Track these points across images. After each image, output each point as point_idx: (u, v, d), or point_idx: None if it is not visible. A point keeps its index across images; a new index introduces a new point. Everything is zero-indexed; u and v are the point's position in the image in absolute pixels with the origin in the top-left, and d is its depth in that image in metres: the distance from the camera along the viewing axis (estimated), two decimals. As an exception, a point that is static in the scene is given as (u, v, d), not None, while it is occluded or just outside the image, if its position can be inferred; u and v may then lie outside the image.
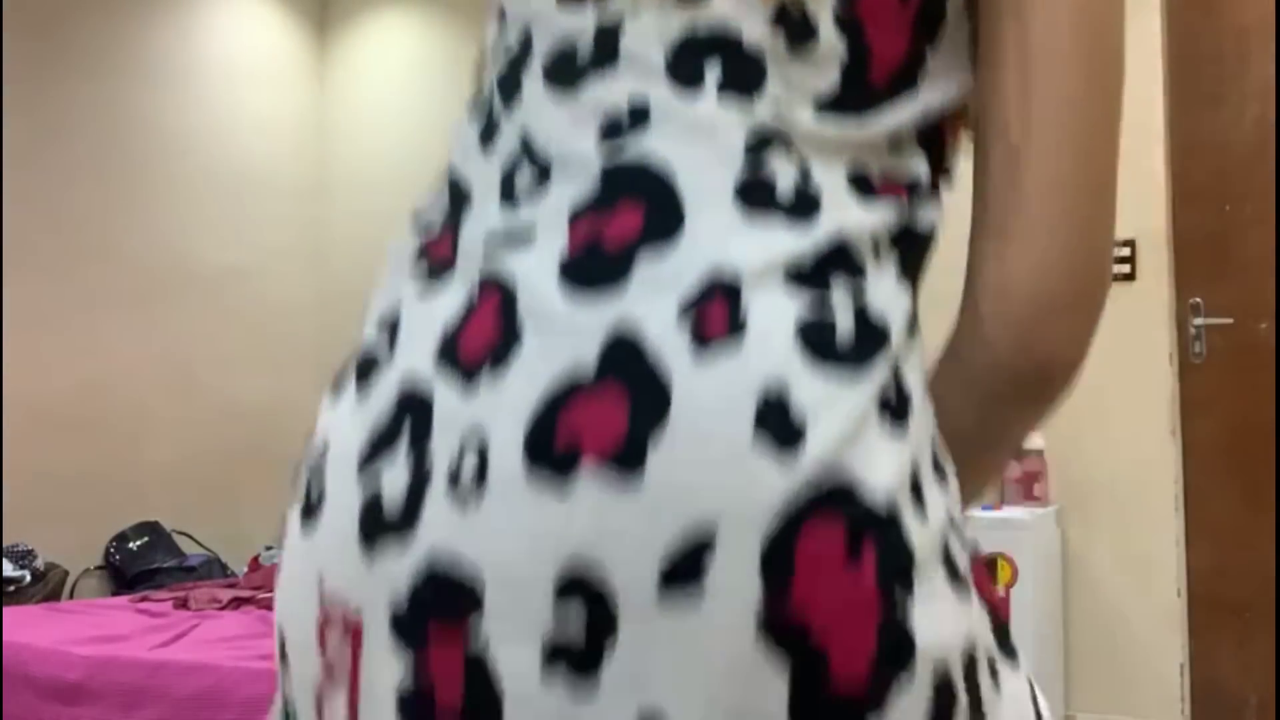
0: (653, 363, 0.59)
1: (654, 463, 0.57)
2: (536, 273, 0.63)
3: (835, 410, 0.59)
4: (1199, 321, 3.64)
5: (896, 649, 0.58)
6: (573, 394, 0.59)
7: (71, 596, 4.16)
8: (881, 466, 0.59)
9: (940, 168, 0.72)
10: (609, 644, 0.57)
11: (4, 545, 4.02)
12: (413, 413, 0.65)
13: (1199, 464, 3.64)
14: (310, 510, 0.70)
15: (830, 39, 0.66)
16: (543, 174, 0.66)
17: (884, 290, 0.67)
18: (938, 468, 0.63)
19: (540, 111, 0.68)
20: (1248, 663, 3.53)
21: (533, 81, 0.69)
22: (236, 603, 3.56)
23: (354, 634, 0.65)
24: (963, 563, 0.62)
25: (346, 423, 0.69)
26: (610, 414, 0.58)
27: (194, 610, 3.46)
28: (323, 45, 5.22)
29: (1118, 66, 0.72)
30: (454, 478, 0.62)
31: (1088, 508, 3.75)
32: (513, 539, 0.59)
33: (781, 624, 0.55)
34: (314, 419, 0.74)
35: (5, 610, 3.34)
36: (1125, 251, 3.73)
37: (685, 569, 0.56)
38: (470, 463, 0.61)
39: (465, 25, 5.06)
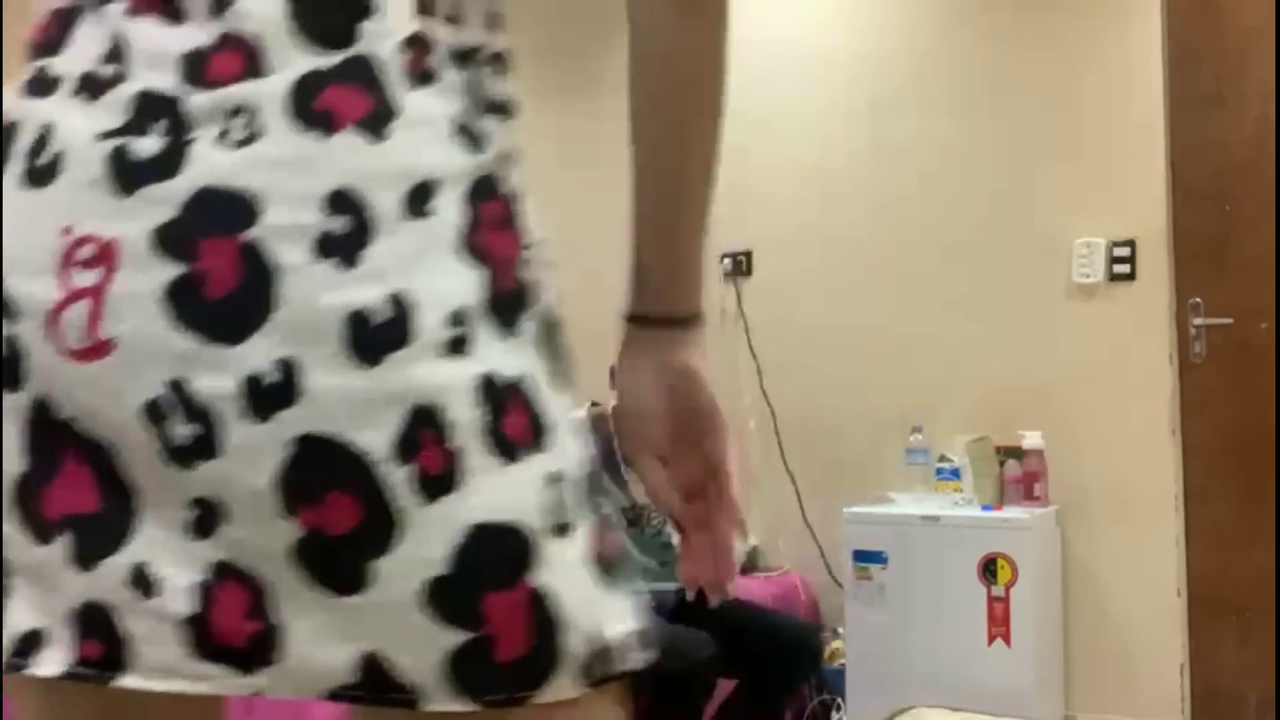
0: (379, 78, 0.82)
1: (395, 134, 0.80)
2: (271, 25, 0.82)
3: (496, 140, 0.88)
4: (1199, 321, 3.64)
5: (525, 283, 0.86)
6: (322, 85, 0.80)
7: (71, 596, 4.15)
8: (509, 181, 0.88)
9: None
10: (368, 241, 0.78)
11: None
12: (161, 110, 0.80)
13: (1199, 464, 3.64)
14: (39, 172, 0.81)
15: None
16: None
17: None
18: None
19: None
20: (1248, 663, 3.53)
21: None
22: (236, 603, 3.56)
23: (106, 254, 0.78)
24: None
25: (75, 112, 0.82)
26: (357, 98, 0.81)
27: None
28: (323, 45, 5.22)
29: None
30: (222, 135, 0.79)
31: (1088, 508, 3.75)
32: (290, 166, 0.78)
33: (473, 243, 0.82)
34: None
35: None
36: (1125, 251, 3.73)
37: (420, 201, 0.80)
38: (239, 124, 0.79)
39: (465, 25, 5.06)
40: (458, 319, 0.80)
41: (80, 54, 0.84)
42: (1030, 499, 3.63)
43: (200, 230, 0.77)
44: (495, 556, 0.78)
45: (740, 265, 4.41)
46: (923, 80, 4.13)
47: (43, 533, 0.81)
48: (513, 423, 0.80)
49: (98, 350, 0.78)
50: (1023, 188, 3.92)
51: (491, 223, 0.84)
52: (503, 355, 0.81)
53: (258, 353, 0.76)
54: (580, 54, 4.86)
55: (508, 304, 0.83)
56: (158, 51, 0.82)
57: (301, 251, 0.77)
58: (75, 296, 0.78)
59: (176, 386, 0.77)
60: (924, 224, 4.09)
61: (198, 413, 0.77)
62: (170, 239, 0.77)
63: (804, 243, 4.30)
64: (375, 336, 0.77)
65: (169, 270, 0.77)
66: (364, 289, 0.77)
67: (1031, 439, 3.67)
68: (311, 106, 0.79)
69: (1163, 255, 3.70)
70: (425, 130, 0.82)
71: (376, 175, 0.79)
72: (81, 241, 0.78)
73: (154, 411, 0.77)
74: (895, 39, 4.19)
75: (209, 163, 0.78)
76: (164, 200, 0.77)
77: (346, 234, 0.77)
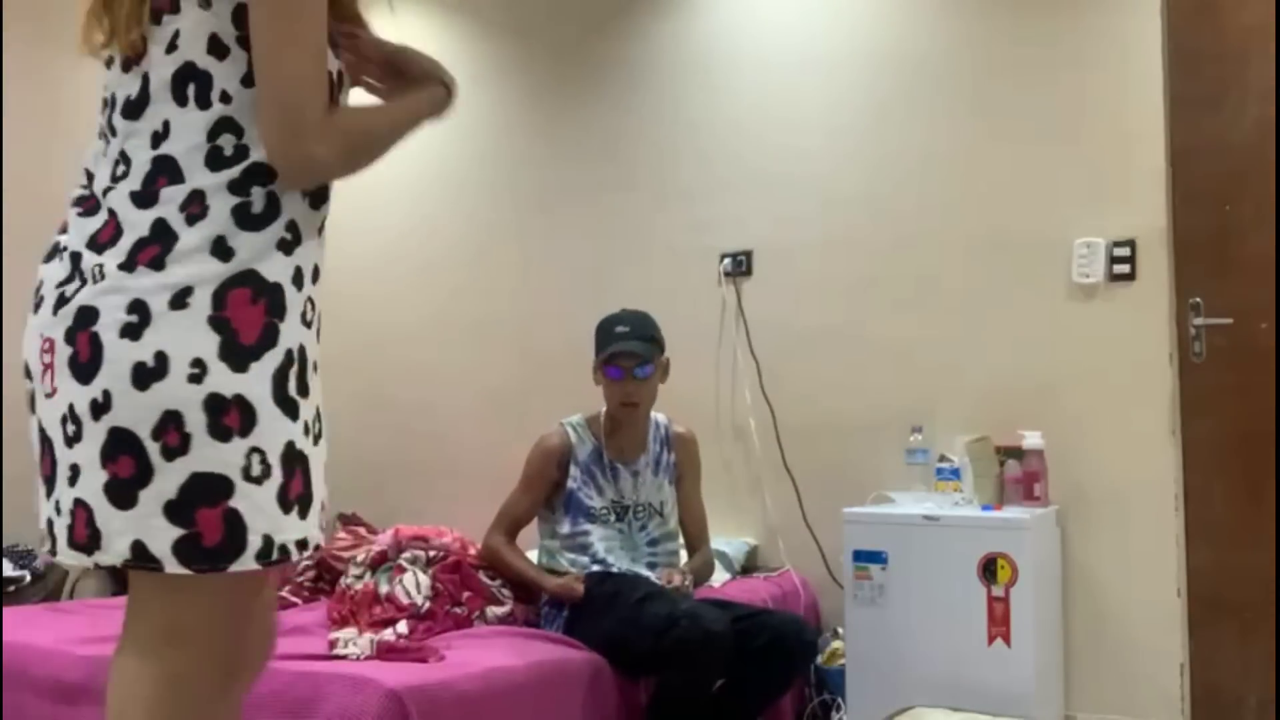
0: (169, 229, 1.54)
1: (169, 266, 1.52)
2: (124, 206, 1.55)
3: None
4: (1199, 321, 3.64)
5: (262, 339, 1.57)
6: (143, 246, 1.52)
7: (71, 596, 4.15)
8: (262, 276, 1.59)
9: None
10: (148, 325, 1.49)
11: (4, 545, 4.02)
12: (76, 261, 1.56)
13: (1199, 464, 3.64)
14: (34, 306, 1.59)
15: None
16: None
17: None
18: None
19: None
20: (1248, 663, 3.53)
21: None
22: (236, 603, 3.56)
23: (51, 347, 1.53)
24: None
25: (45, 271, 1.60)
26: (154, 249, 1.52)
27: (194, 610, 3.45)
28: (323, 45, 5.21)
29: (286, 35, 1.52)
30: (92, 279, 1.53)
31: (1088, 508, 3.75)
32: (113, 292, 1.51)
33: (217, 319, 1.51)
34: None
35: (5, 610, 3.33)
36: (1125, 251, 3.73)
37: (182, 298, 1.52)
38: (96, 272, 1.53)
39: (464, 26, 5.06)
40: (198, 363, 1.48)
41: (64, 235, 1.62)
42: (1030, 499, 3.63)
43: (77, 329, 1.51)
44: (203, 490, 1.49)
45: (740, 265, 4.41)
46: (923, 80, 4.13)
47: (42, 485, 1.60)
48: (230, 418, 1.49)
49: (51, 394, 1.54)
50: (1023, 188, 3.92)
51: (236, 305, 1.51)
52: (228, 382, 1.49)
53: (96, 387, 1.49)
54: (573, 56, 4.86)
55: (239, 355, 1.50)
56: (78, 228, 1.58)
57: (116, 335, 1.49)
58: (45, 369, 1.54)
59: (70, 406, 1.51)
60: (924, 224, 4.09)
61: (76, 419, 1.51)
62: (69, 335, 1.51)
63: (804, 242, 4.30)
64: (146, 376, 1.48)
65: (69, 350, 1.51)
66: (143, 351, 1.48)
67: (1031, 439, 3.67)
68: (137, 260, 1.51)
69: (1163, 255, 3.70)
70: (191, 257, 1.51)
71: (155, 290, 1.49)
72: (45, 341, 1.54)
73: (65, 419, 1.52)
74: (895, 39, 4.19)
75: (82, 294, 1.52)
76: (68, 315, 1.52)
77: (136, 324, 1.48)
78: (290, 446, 1.54)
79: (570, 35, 4.85)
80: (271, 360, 1.53)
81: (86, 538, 1.51)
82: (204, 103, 1.55)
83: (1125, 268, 3.73)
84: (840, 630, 3.77)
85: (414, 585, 3.41)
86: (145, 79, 1.57)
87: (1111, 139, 3.77)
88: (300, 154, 1.54)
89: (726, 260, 4.42)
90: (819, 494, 4.14)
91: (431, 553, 3.55)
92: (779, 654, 3.21)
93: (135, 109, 1.58)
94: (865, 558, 3.59)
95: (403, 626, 3.22)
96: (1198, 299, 3.65)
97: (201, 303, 1.50)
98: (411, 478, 4.90)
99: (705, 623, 2.99)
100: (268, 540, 1.52)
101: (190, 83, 1.55)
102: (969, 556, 3.43)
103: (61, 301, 1.53)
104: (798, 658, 3.30)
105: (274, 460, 1.52)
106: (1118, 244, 3.74)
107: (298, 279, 1.58)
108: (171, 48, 1.56)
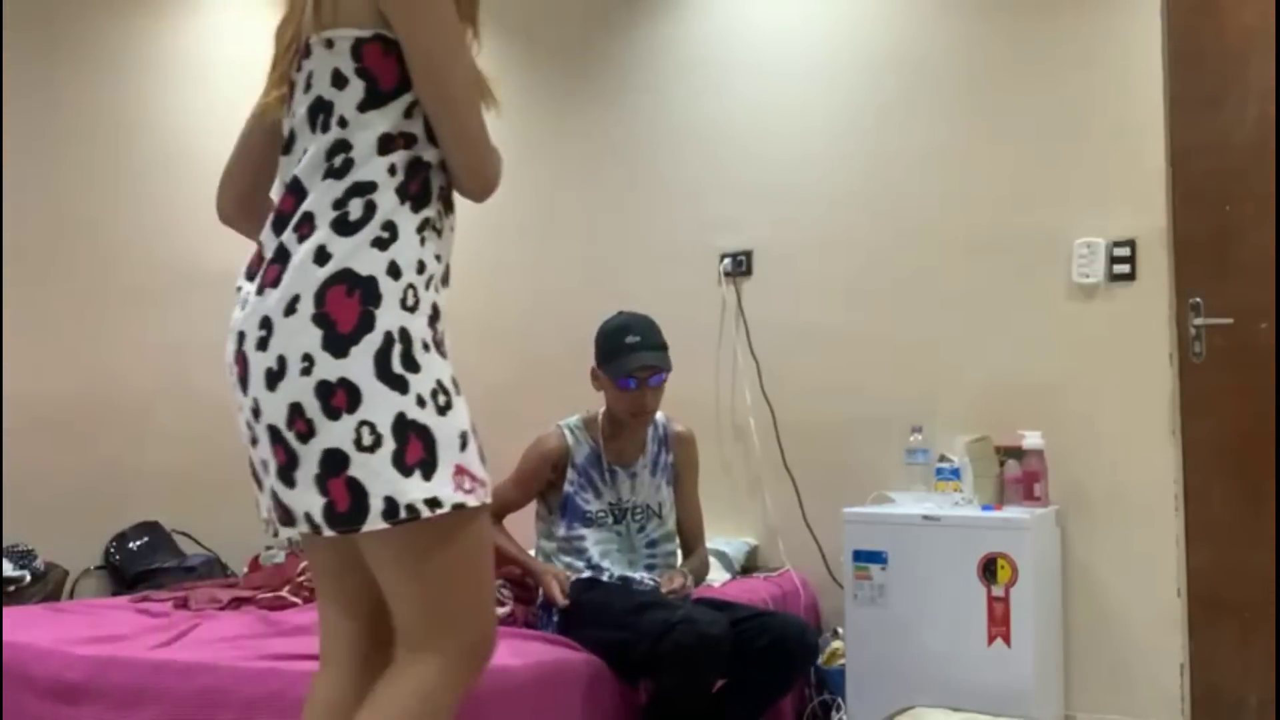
0: (288, 253, 1.80)
1: (284, 279, 1.77)
2: (267, 236, 1.86)
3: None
4: (1199, 321, 3.64)
5: (357, 327, 1.76)
6: (269, 271, 1.81)
7: (71, 596, 4.15)
8: (355, 272, 1.78)
9: None
10: (272, 337, 1.75)
11: (4, 545, 4.02)
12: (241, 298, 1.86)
13: (1199, 464, 3.64)
14: (228, 336, 1.86)
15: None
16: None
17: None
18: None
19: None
20: (1248, 663, 3.53)
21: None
22: (236, 603, 3.56)
23: (230, 366, 1.84)
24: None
25: (236, 310, 1.85)
26: (275, 270, 1.79)
27: (194, 610, 3.45)
28: (323, 45, 5.21)
29: (450, 89, 1.81)
30: (241, 306, 1.84)
31: (1088, 508, 3.75)
32: (252, 315, 1.80)
33: (318, 315, 1.72)
34: None
35: (5, 610, 3.33)
36: (1125, 251, 3.73)
37: (292, 305, 1.74)
38: (245, 300, 1.84)
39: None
40: (306, 357, 1.71)
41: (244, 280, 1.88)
42: (1030, 499, 3.63)
43: (236, 350, 1.80)
44: (330, 464, 1.71)
45: (740, 265, 4.41)
46: (923, 80, 4.13)
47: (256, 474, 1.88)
48: (337, 399, 1.70)
49: (239, 405, 1.83)
50: (1023, 188, 3.92)
51: (334, 301, 1.71)
52: (332, 368, 1.70)
53: (250, 396, 1.77)
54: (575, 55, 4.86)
55: (338, 343, 1.70)
56: (250, 271, 1.86)
57: (254, 350, 1.76)
58: (233, 388, 1.83)
59: (248, 411, 1.80)
60: (924, 224, 4.09)
61: (250, 423, 1.80)
62: (233, 357, 1.82)
63: (804, 243, 4.30)
64: (273, 378, 1.73)
65: (236, 369, 1.81)
66: (270, 359, 1.73)
67: (1031, 439, 3.67)
68: (265, 283, 1.76)
69: (1163, 255, 3.70)
70: (299, 269, 1.74)
71: (275, 305, 1.74)
72: (228, 366, 1.83)
73: (249, 423, 1.81)
74: (895, 40, 4.19)
75: (236, 320, 1.82)
76: (232, 340, 1.82)
77: (264, 337, 1.74)
78: (401, 417, 1.71)
79: (571, 35, 4.85)
80: (370, 343, 1.71)
81: (283, 515, 1.79)
82: (326, 127, 1.81)
83: (1125, 268, 3.73)
84: (840, 630, 3.77)
85: (414, 585, 3.40)
86: (294, 118, 1.86)
87: (1112, 139, 3.77)
88: (489, 184, 1.86)
89: (726, 260, 4.42)
90: (819, 494, 4.14)
91: (431, 553, 3.54)
92: (780, 656, 3.20)
93: (288, 146, 1.88)
94: (865, 558, 3.59)
95: (403, 626, 3.21)
96: (1198, 299, 3.65)
97: (306, 306, 1.72)
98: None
99: (701, 627, 2.98)
100: (390, 501, 1.70)
101: (320, 113, 1.82)
102: (969, 556, 3.43)
103: (231, 330, 1.83)
104: (799, 660, 3.29)
105: (384, 430, 1.70)
106: (1118, 244, 3.74)
107: (393, 270, 1.76)
108: (307, 87, 1.84)
